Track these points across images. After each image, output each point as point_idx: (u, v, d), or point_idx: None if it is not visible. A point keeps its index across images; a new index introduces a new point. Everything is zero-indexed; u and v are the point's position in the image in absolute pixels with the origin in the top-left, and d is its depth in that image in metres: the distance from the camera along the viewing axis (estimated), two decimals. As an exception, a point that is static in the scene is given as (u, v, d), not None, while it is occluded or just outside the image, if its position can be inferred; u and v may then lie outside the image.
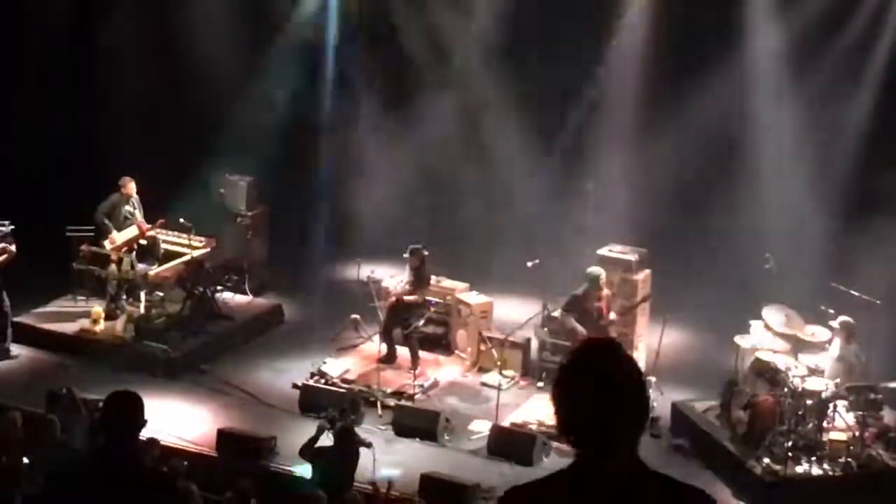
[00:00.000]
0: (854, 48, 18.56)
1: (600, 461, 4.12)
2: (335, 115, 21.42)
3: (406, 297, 18.51)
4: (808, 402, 15.63)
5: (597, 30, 20.00)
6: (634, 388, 4.15)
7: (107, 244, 18.81)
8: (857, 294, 16.88)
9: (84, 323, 18.65)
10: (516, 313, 18.80)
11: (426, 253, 18.46)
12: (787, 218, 18.25)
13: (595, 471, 4.12)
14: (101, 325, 18.53)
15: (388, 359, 18.34)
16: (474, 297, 19.03)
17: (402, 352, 18.39)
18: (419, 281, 18.49)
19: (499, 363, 17.70)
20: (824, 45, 18.49)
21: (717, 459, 16.28)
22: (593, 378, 4.12)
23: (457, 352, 18.90)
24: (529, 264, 18.10)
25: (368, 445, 14.98)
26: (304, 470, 15.11)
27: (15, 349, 18.12)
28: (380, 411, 17.07)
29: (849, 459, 15.52)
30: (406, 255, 18.49)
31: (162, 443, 15.14)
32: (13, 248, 17.89)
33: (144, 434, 14.29)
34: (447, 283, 19.43)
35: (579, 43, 19.78)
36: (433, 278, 19.08)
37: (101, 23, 19.94)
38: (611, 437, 4.10)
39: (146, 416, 7.67)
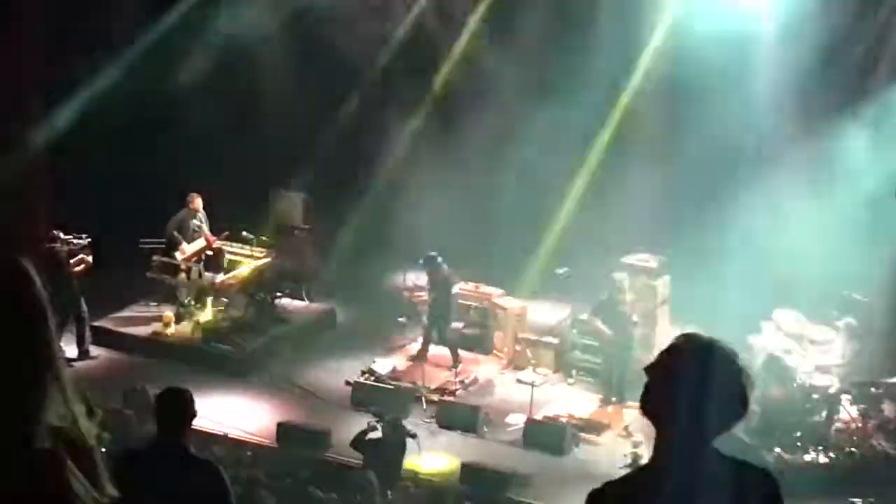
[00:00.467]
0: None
1: (693, 443, 4.12)
2: (383, 136, 21.24)
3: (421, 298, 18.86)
4: (815, 396, 15.90)
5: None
6: (726, 384, 4.11)
7: (177, 255, 19.05)
8: (860, 297, 16.93)
9: (156, 326, 18.92)
10: (548, 316, 18.88)
11: (440, 259, 18.47)
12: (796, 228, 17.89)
13: (685, 455, 4.12)
14: (172, 329, 18.80)
15: (419, 356, 18.46)
16: (510, 302, 19.07)
17: (444, 352, 18.49)
18: (432, 286, 18.55)
19: (532, 362, 17.95)
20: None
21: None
22: (687, 377, 4.11)
23: (494, 351, 18.96)
24: (559, 272, 18.07)
25: (413, 436, 15.33)
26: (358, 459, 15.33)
27: (94, 350, 18.37)
28: (424, 406, 17.20)
29: (852, 449, 15.73)
30: (420, 262, 18.67)
31: (228, 435, 15.71)
32: (90, 258, 18.17)
33: (210, 425, 14.66)
34: (485, 288, 19.47)
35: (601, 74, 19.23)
36: (472, 284, 19.29)
37: (178, 55, 20.18)
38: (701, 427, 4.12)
39: (196, 410, 8.07)
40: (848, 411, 16.05)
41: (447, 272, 18.58)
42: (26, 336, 3.61)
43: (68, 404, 3.64)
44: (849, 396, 16.15)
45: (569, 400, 17.60)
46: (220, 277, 19.34)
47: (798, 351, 16.67)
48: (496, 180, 19.90)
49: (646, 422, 4.20)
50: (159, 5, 20.01)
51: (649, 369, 4.21)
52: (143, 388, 15.98)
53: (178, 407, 8.07)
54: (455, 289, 18.91)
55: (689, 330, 4.31)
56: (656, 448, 4.18)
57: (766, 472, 4.27)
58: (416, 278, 19.19)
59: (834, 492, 15.20)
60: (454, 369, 18.10)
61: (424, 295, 18.76)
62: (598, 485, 4.65)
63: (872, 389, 16.28)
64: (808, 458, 15.67)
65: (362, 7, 20.86)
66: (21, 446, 3.57)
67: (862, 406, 16.08)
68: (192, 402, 8.10)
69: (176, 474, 7.69)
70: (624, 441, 16.24)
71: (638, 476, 4.38)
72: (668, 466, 4.15)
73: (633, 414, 16.71)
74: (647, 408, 4.20)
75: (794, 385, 16.04)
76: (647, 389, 4.19)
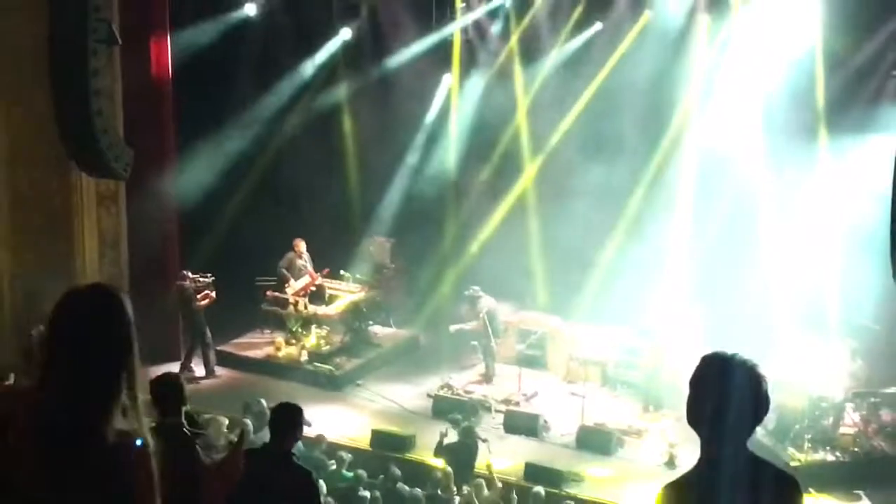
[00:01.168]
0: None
1: (731, 450, 4.20)
2: (459, 183, 21.22)
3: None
4: (823, 404, 16.12)
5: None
6: (749, 394, 4.20)
7: (287, 290, 19.36)
8: (864, 323, 16.96)
9: (269, 350, 19.28)
10: (595, 339, 18.74)
11: (479, 294, 18.67)
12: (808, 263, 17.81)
13: (725, 459, 4.19)
14: (283, 352, 19.14)
15: (491, 377, 18.74)
16: (564, 327, 19.12)
17: (509, 370, 18.53)
18: (474, 316, 18.68)
19: (583, 377, 18.04)
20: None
21: (758, 449, 17.35)
22: (720, 388, 4.18)
23: (551, 368, 19.02)
24: (606, 302, 18.26)
25: (484, 440, 15.77)
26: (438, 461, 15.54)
27: (218, 370, 18.85)
28: (493, 414, 17.47)
29: (856, 449, 16.04)
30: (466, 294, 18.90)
31: (329, 439, 15.90)
32: (213, 294, 18.61)
33: (315, 431, 15.33)
34: (544, 316, 19.48)
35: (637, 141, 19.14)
36: (533, 312, 19.55)
37: (281, 122, 20.38)
38: (740, 432, 4.20)
39: (307, 421, 8.66)
40: (852, 417, 16.24)
41: (487, 304, 18.73)
42: (114, 357, 3.71)
43: (138, 418, 3.73)
44: (852, 405, 16.31)
45: (613, 408, 17.67)
46: (322, 309, 19.52)
47: (808, 366, 16.40)
48: (555, 226, 19.59)
49: (678, 425, 4.68)
50: (266, 84, 20.07)
51: (690, 384, 4.28)
52: (258, 401, 16.04)
53: (288, 419, 8.37)
54: (498, 317, 18.95)
55: (716, 349, 4.27)
56: (702, 451, 4.23)
57: (788, 472, 4.46)
58: (486, 308, 18.80)
59: (840, 485, 15.54)
60: (518, 383, 18.09)
61: (474, 324, 18.79)
62: (640, 480, 4.88)
63: (872, 399, 16.32)
64: (817, 456, 15.94)
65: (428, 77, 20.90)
66: (99, 441, 3.66)
67: (863, 413, 16.28)
68: (300, 415, 8.46)
69: (276, 474, 8.08)
70: (660, 442, 16.30)
71: (691, 476, 4.31)
72: (715, 467, 4.20)
73: (666, 419, 16.90)
74: (689, 419, 4.27)
75: (808, 395, 16.12)
76: (688, 403, 4.27)
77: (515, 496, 14.75)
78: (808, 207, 17.82)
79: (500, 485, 14.96)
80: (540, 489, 14.83)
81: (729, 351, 4.29)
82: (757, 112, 18.17)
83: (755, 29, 17.99)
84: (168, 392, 8.06)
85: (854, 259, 16.91)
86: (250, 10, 19.83)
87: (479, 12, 19.72)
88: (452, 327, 19.13)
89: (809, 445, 16.08)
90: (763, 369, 4.22)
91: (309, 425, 9.11)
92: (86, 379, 3.66)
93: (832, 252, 17.51)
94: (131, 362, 3.71)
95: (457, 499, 14.50)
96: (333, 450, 15.68)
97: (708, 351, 4.34)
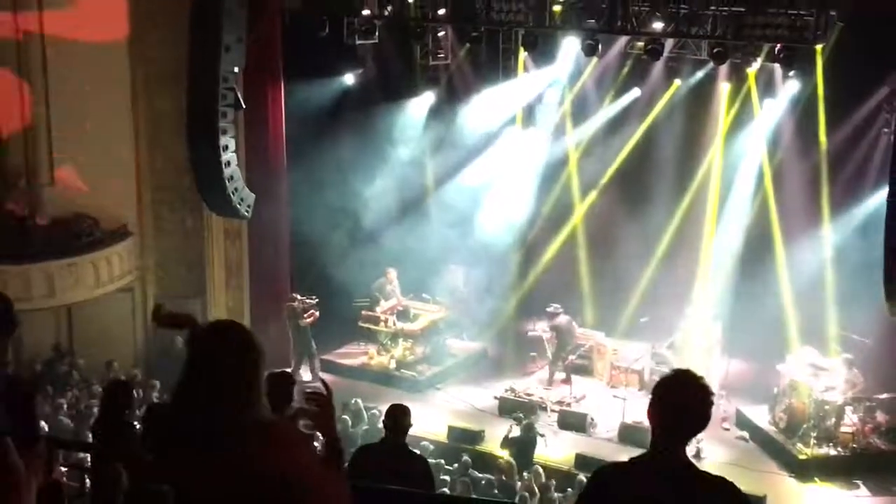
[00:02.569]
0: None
1: (666, 454, 4.15)
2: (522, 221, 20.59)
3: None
4: (826, 407, 15.97)
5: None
6: (694, 410, 4.12)
7: (378, 310, 19.32)
8: (857, 338, 16.71)
9: (364, 359, 19.33)
10: (635, 350, 18.62)
11: (560, 311, 18.44)
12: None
13: (660, 460, 4.16)
14: (375, 360, 19.17)
15: (548, 379, 18.61)
16: (608, 340, 18.92)
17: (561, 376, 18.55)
18: (554, 330, 18.52)
19: (624, 383, 18.20)
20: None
21: (766, 444, 16.57)
22: (671, 403, 4.12)
23: (596, 375, 18.90)
24: (642, 320, 18.27)
25: (542, 435, 15.95)
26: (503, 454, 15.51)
27: (323, 376, 17.86)
28: (549, 413, 17.47)
29: (854, 445, 15.98)
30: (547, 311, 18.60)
31: (413, 433, 16.63)
32: (317, 312, 18.70)
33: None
34: (591, 331, 19.20)
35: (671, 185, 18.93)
36: (584, 328, 19.17)
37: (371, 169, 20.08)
38: (674, 440, 4.14)
39: (410, 421, 8.22)
40: (850, 418, 16.12)
41: (564, 322, 18.52)
42: (249, 372, 3.77)
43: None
44: (851, 407, 16.14)
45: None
46: (407, 325, 19.41)
47: (813, 375, 16.42)
48: (600, 257, 19.71)
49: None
50: (361, 138, 19.80)
51: (654, 390, 4.22)
52: (355, 401, 16.33)
53: (401, 416, 8.34)
54: (575, 331, 18.74)
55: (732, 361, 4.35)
56: (651, 445, 4.20)
57: (724, 479, 4.22)
58: (543, 325, 18.94)
59: (841, 476, 15.68)
60: (570, 387, 18.08)
61: (550, 336, 18.65)
62: None
63: (867, 403, 16.20)
64: (822, 451, 15.90)
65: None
66: (251, 423, 3.69)
67: (860, 415, 16.15)
68: (408, 413, 8.42)
69: (399, 462, 7.99)
70: None
71: (633, 463, 4.29)
72: (651, 460, 4.19)
73: None
74: (649, 418, 4.21)
75: (811, 400, 16.04)
76: (649, 407, 4.20)
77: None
78: (812, 242, 17.70)
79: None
80: (583, 477, 14.60)
81: (685, 369, 4.27)
82: (767, 160, 18.05)
83: (765, 93, 17.90)
84: (279, 387, 8.00)
85: (851, 285, 16.76)
86: (349, 79, 19.94)
87: (539, 81, 19.65)
88: (531, 332, 19.17)
89: (815, 442, 15.98)
90: (708, 385, 4.13)
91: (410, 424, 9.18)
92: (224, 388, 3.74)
93: (833, 279, 17.40)
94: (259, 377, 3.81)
95: (518, 484, 14.42)
96: (417, 442, 15.21)
97: (729, 365, 4.15)
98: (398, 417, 8.35)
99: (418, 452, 8.68)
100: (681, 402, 4.10)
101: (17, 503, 4.31)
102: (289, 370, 15.47)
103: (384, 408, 11.47)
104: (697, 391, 4.09)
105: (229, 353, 3.75)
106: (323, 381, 4.23)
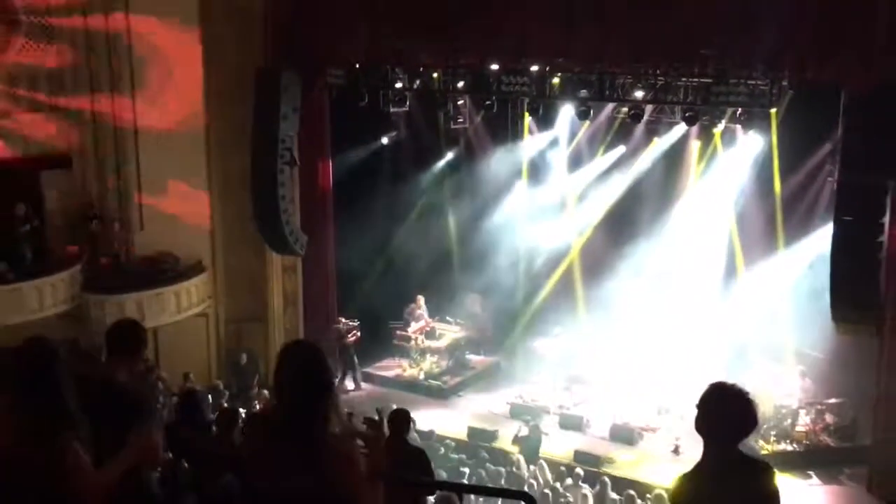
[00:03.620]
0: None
1: (724, 452, 4.08)
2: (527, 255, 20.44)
3: None
4: (784, 411, 16.15)
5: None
6: (744, 416, 4.08)
7: (409, 331, 19.39)
8: (810, 352, 16.94)
9: (398, 371, 19.36)
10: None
11: (560, 333, 18.52)
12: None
13: (720, 458, 4.08)
14: (407, 372, 19.19)
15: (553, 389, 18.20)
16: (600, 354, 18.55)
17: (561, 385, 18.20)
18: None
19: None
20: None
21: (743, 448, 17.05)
22: (721, 415, 4.05)
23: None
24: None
25: (546, 434, 16.18)
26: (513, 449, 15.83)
27: (364, 385, 18.99)
28: (552, 416, 17.25)
29: (807, 442, 16.05)
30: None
31: (438, 433, 16.09)
32: (359, 333, 18.91)
33: (428, 427, 15.46)
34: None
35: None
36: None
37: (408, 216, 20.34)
38: (730, 441, 4.09)
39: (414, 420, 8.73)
40: (804, 420, 16.19)
41: (565, 341, 18.50)
42: (324, 391, 3.73)
43: (340, 424, 3.74)
44: (804, 411, 16.26)
45: (639, 412, 17.24)
46: (434, 343, 19.45)
47: (773, 384, 16.44)
48: (593, 285, 19.11)
49: (681, 423, 4.36)
50: (395, 188, 20.10)
51: (697, 406, 4.14)
52: (391, 406, 16.11)
53: (403, 419, 8.52)
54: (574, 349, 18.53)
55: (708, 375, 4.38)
56: (704, 451, 4.14)
57: (763, 461, 4.25)
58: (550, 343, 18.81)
59: (796, 468, 15.61)
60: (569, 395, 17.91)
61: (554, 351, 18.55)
62: (654, 463, 4.52)
63: (818, 407, 16.26)
64: (780, 447, 15.93)
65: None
66: (325, 439, 3.65)
67: (812, 417, 16.22)
68: (408, 417, 8.63)
69: (406, 457, 8.08)
70: (669, 436, 16.20)
71: (699, 469, 4.17)
72: (714, 467, 4.09)
73: (673, 420, 16.71)
74: (698, 428, 4.15)
75: (771, 404, 16.02)
76: (697, 418, 4.14)
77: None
78: (770, 271, 17.65)
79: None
80: (580, 470, 14.79)
81: (728, 381, 4.21)
82: (731, 203, 18.04)
83: (728, 148, 17.93)
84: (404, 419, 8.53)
85: (804, 308, 16.65)
86: (384, 140, 20.16)
87: (541, 141, 19.75)
88: (538, 347, 18.97)
89: (774, 440, 16.08)
90: (750, 395, 4.10)
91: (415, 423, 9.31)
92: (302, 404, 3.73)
93: (789, 303, 17.33)
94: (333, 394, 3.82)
95: (526, 474, 14.51)
96: (442, 440, 15.96)
97: (703, 375, 4.18)
98: (400, 419, 8.55)
99: (413, 445, 8.85)
100: (728, 410, 4.05)
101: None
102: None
103: (415, 412, 11.64)
104: (741, 399, 4.07)
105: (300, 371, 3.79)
106: (378, 411, 4.34)
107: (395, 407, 15.71)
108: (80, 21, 16.56)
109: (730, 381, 4.21)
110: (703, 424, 4.12)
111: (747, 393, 4.09)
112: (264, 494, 3.71)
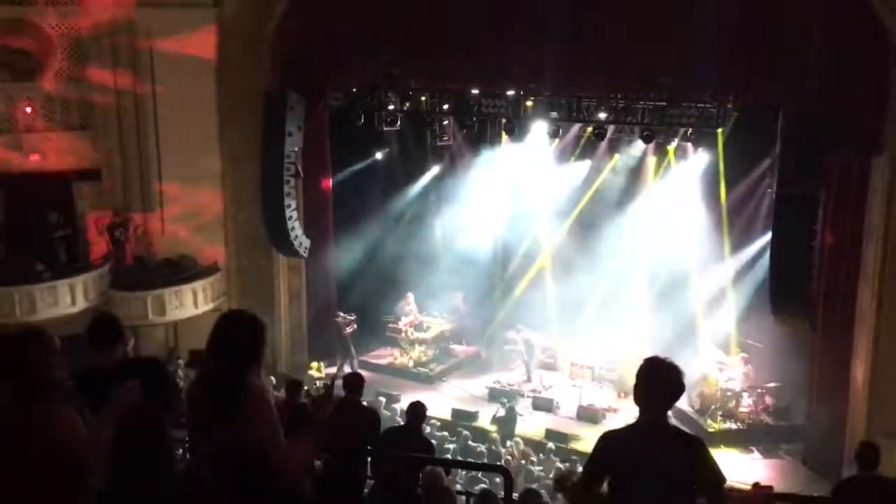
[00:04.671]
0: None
1: (654, 418, 4.09)
2: (504, 258, 20.44)
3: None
4: (729, 393, 16.19)
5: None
6: (672, 385, 4.05)
7: (400, 324, 19.30)
8: (751, 342, 16.94)
9: (390, 359, 19.24)
10: (591, 352, 18.45)
11: (522, 329, 18.40)
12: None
13: (650, 424, 4.09)
14: (398, 361, 19.09)
15: (527, 376, 18.30)
16: (568, 345, 18.66)
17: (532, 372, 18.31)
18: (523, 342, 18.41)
19: (580, 376, 18.13)
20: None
21: (684, 421, 16.13)
22: (652, 380, 4.05)
23: (560, 370, 18.58)
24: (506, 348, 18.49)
25: (520, 415, 16.23)
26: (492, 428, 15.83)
27: (360, 372, 18.00)
28: (525, 398, 17.34)
29: (749, 421, 16.09)
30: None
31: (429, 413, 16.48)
32: (356, 326, 18.61)
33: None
34: (555, 338, 18.83)
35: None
36: (550, 336, 19.15)
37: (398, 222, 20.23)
38: (659, 408, 4.07)
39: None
40: (746, 402, 16.24)
41: (528, 336, 18.45)
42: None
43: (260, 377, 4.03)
44: (747, 393, 16.28)
45: (600, 395, 17.48)
46: (422, 335, 19.37)
47: (719, 370, 16.52)
48: (562, 283, 19.04)
49: None
50: (387, 198, 20.03)
51: (636, 377, 4.14)
52: (383, 393, 16.50)
53: (418, 410, 8.38)
54: (534, 344, 18.49)
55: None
56: (637, 418, 4.17)
57: (694, 435, 4.27)
58: (515, 337, 18.65)
59: (740, 444, 15.77)
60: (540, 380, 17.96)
61: (520, 347, 18.45)
62: None
63: (759, 390, 16.32)
64: (725, 426, 16.03)
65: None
66: (241, 389, 3.87)
67: (754, 399, 16.28)
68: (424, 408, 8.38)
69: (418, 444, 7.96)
70: (628, 416, 15.68)
71: (629, 430, 4.19)
72: (642, 431, 4.10)
73: (629, 402, 17.28)
74: (635, 399, 4.17)
75: (717, 388, 16.20)
76: (634, 389, 4.16)
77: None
78: (719, 270, 17.65)
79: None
80: (552, 445, 14.85)
81: (661, 355, 4.14)
82: (683, 210, 18.00)
83: (680, 163, 17.96)
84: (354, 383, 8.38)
85: (746, 303, 16.92)
86: (378, 155, 20.09)
87: (516, 157, 19.61)
88: (507, 347, 18.88)
89: (720, 419, 16.13)
90: (680, 367, 4.04)
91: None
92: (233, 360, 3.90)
93: (733, 299, 17.39)
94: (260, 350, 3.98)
95: (503, 451, 14.48)
96: (428, 420, 15.10)
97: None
98: (415, 409, 8.41)
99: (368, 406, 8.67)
100: (658, 379, 4.02)
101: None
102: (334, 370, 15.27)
103: (403, 396, 11.53)
104: (670, 369, 4.03)
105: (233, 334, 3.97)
106: (327, 381, 4.52)
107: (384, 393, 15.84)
108: (108, 48, 16.49)
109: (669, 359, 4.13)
110: (637, 393, 4.11)
111: (675, 365, 4.03)
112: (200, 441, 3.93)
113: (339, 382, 8.56)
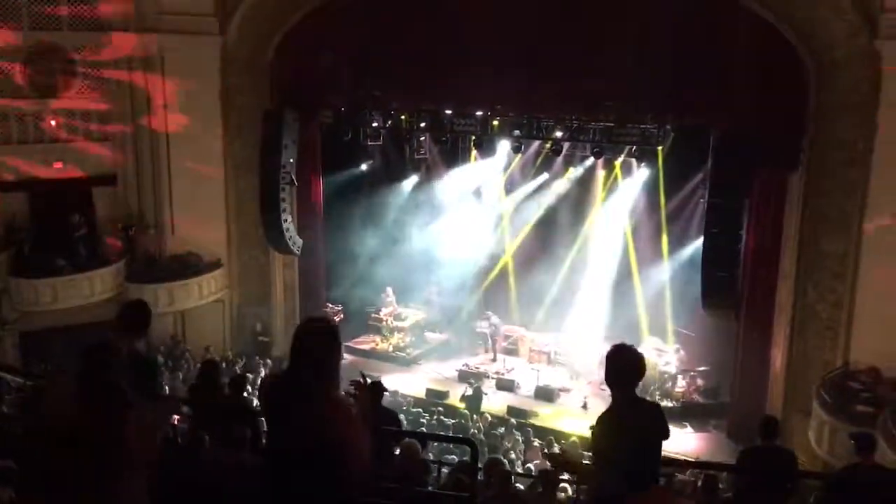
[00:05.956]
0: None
1: (628, 394, 4.13)
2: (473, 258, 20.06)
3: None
4: (665, 376, 16.33)
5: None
6: (636, 366, 4.13)
7: (381, 314, 19.28)
8: (685, 332, 17.06)
9: (372, 345, 19.04)
10: (547, 339, 18.31)
11: (490, 315, 18.32)
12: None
13: (623, 400, 4.13)
14: (379, 346, 18.91)
15: (493, 358, 18.22)
16: (527, 332, 18.43)
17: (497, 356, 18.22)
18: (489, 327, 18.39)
19: (538, 360, 17.85)
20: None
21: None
22: (621, 365, 4.11)
23: (521, 355, 18.43)
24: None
25: (486, 393, 16.09)
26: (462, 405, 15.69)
27: (346, 356, 17.67)
28: (490, 379, 17.22)
29: (683, 400, 16.17)
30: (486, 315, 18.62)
31: (403, 392, 15.74)
32: (342, 315, 18.72)
33: (393, 388, 14.60)
34: (517, 327, 18.69)
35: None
36: (515, 325, 18.98)
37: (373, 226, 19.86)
38: (631, 384, 4.12)
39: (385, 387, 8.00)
40: (681, 383, 16.38)
41: (495, 321, 18.45)
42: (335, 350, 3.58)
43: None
44: (681, 376, 16.41)
45: (555, 377, 17.28)
46: (400, 323, 19.23)
47: (657, 355, 16.47)
48: (523, 279, 19.01)
49: (589, 386, 4.22)
50: (371, 204, 19.76)
51: (605, 361, 4.15)
52: (365, 375, 16.72)
53: (376, 388, 7.84)
54: (501, 327, 18.42)
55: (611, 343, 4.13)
56: (614, 400, 4.15)
57: (654, 402, 4.40)
58: (483, 324, 18.68)
59: (675, 420, 15.03)
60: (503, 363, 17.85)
61: (487, 331, 18.47)
62: (569, 416, 4.34)
63: (691, 373, 16.50)
64: (663, 404, 15.00)
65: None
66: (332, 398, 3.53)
67: (687, 380, 16.44)
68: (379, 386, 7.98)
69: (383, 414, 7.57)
70: (579, 395, 16.29)
71: (613, 411, 4.17)
72: (623, 407, 4.13)
73: (583, 382, 16.75)
74: (607, 380, 4.17)
75: (656, 371, 16.16)
76: (607, 371, 4.15)
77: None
78: (657, 270, 17.69)
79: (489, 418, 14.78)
80: (513, 420, 14.82)
81: (626, 342, 4.26)
82: (627, 218, 18.03)
83: (626, 176, 17.93)
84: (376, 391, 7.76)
85: (682, 298, 16.92)
86: (363, 167, 20.02)
87: (485, 169, 19.68)
88: (478, 329, 18.70)
89: (658, 397, 15.94)
90: (641, 352, 4.17)
91: (387, 390, 9.10)
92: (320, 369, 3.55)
93: (670, 294, 17.42)
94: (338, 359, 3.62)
95: (471, 424, 14.48)
96: (405, 398, 15.85)
97: (605, 345, 4.06)
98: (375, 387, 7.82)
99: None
100: (625, 363, 4.10)
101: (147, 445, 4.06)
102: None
103: (384, 378, 11.48)
104: (634, 354, 4.11)
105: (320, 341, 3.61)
106: (362, 373, 4.19)
107: (370, 379, 15.91)
108: (125, 66, 16.31)
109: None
110: (608, 375, 4.15)
111: (637, 350, 4.16)
112: (281, 443, 3.58)
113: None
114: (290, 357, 3.61)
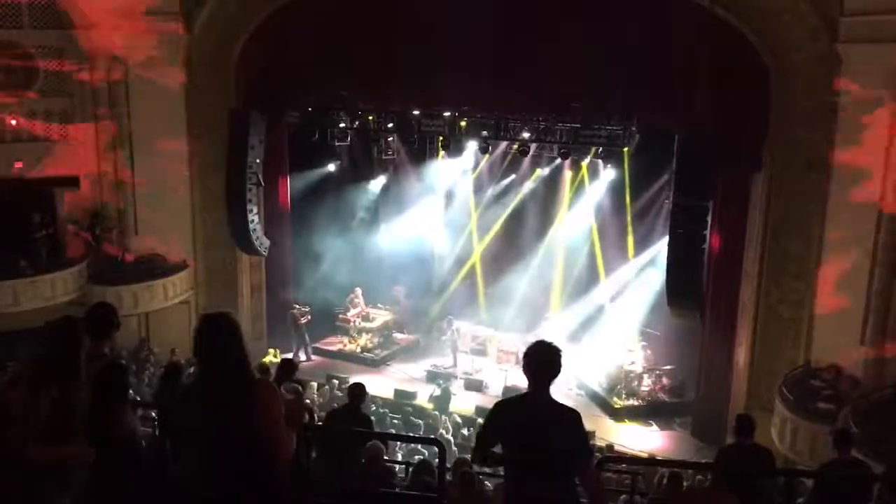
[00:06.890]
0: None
1: (539, 391, 4.07)
2: (438, 256, 20.26)
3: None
4: (632, 374, 16.40)
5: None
6: (553, 364, 4.03)
7: (349, 315, 19.03)
8: (651, 331, 17.07)
9: (340, 346, 18.86)
10: (514, 338, 17.81)
11: (451, 319, 18.10)
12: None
13: (535, 395, 4.08)
14: (348, 347, 18.72)
15: (454, 359, 18.01)
16: (497, 334, 18.23)
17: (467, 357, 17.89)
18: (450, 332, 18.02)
19: (506, 360, 17.42)
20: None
21: (594, 398, 16.53)
22: (537, 359, 4.03)
23: (489, 356, 18.08)
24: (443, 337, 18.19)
25: (454, 394, 16.12)
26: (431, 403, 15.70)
27: (313, 357, 18.48)
28: (459, 380, 17.22)
29: (649, 399, 16.25)
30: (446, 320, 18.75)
31: (371, 393, 14.88)
32: (309, 316, 18.41)
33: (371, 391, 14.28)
34: (486, 329, 18.50)
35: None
36: (483, 327, 18.82)
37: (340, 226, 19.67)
38: (545, 383, 4.04)
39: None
40: (647, 382, 16.35)
41: (457, 325, 18.19)
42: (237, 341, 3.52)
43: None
44: (647, 375, 16.43)
45: (523, 377, 17.47)
46: (368, 324, 19.09)
47: (623, 355, 16.60)
48: (491, 279, 19.04)
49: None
50: (338, 204, 19.59)
51: (526, 356, 4.09)
52: (334, 376, 16.17)
53: (357, 391, 7.98)
54: (461, 333, 18.15)
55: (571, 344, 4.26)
56: (526, 391, 4.15)
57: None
58: (450, 319, 18.40)
59: (641, 418, 15.91)
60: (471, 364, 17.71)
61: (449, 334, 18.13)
62: None
63: (657, 372, 16.53)
64: (629, 402, 16.19)
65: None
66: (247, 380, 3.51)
67: (653, 379, 16.48)
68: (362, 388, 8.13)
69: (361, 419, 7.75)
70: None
71: (518, 400, 4.20)
72: (531, 399, 4.10)
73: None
74: (525, 374, 4.12)
75: (622, 370, 16.34)
76: (524, 366, 4.10)
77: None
78: (624, 269, 17.75)
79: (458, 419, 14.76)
80: (481, 420, 14.57)
81: (545, 338, 4.15)
82: (594, 218, 18.11)
83: (592, 177, 17.93)
84: (286, 368, 7.94)
85: (647, 297, 17.02)
86: (331, 167, 19.87)
87: (452, 169, 19.66)
88: (442, 337, 18.57)
89: (625, 396, 16.28)
90: (560, 349, 4.02)
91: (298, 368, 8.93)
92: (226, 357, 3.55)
93: (636, 293, 17.47)
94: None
95: (439, 425, 14.47)
96: (374, 399, 15.36)
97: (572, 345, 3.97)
98: (356, 389, 8.12)
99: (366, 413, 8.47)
100: (541, 359, 4.02)
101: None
102: (290, 356, 15.33)
103: (352, 378, 11.43)
104: (552, 351, 4.03)
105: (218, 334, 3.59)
106: (300, 382, 4.19)
107: (333, 376, 15.61)
108: (88, 68, 16.06)
109: (549, 341, 4.14)
110: (525, 368, 4.08)
111: (557, 347, 4.03)
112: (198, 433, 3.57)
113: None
114: (200, 360, 3.60)
